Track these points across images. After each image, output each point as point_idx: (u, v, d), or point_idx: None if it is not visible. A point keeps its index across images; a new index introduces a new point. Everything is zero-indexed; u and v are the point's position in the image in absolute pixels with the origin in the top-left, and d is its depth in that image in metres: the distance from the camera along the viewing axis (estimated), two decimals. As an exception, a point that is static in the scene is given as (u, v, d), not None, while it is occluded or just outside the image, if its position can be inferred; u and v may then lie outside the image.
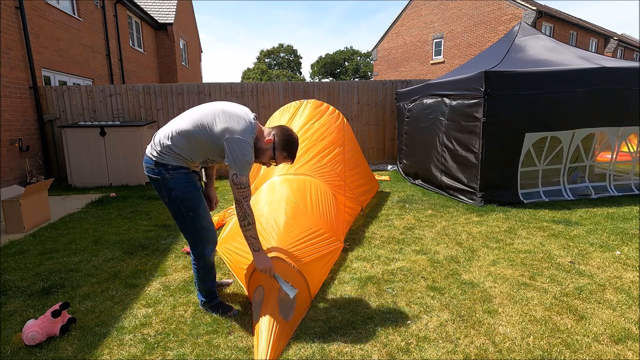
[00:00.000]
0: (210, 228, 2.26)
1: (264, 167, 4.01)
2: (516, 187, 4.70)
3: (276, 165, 2.23)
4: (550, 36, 6.25)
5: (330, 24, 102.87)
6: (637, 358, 1.86)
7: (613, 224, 3.88)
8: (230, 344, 2.01)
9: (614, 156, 5.00)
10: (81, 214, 4.79)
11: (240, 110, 2.14)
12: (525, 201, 4.66)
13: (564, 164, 4.86)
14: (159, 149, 2.11)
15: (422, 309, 2.33)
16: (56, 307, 2.10)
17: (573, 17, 18.91)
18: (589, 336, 2.03)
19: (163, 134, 2.13)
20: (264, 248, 2.47)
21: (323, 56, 51.23)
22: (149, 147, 2.18)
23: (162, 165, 2.11)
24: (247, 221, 2.07)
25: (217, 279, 2.56)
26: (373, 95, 8.00)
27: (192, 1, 18.45)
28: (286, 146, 2.16)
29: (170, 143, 2.09)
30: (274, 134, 2.14)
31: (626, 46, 21.20)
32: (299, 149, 4.09)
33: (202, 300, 2.37)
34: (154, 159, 2.12)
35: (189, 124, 2.09)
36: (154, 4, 15.00)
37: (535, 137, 4.59)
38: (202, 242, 2.23)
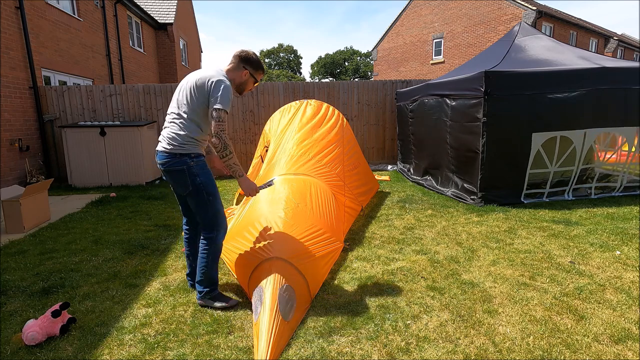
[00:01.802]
0: (224, 213, 2.40)
1: (263, 167, 4.01)
2: (519, 188, 4.67)
3: (258, 83, 2.52)
4: (550, 36, 6.24)
5: (330, 24, 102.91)
6: (637, 358, 1.86)
7: (613, 224, 3.88)
8: (230, 344, 2.01)
9: (630, 157, 4.92)
10: (81, 214, 4.79)
11: (208, 67, 2.32)
12: (525, 202, 4.66)
13: (577, 165, 4.74)
14: (180, 141, 2.23)
15: (422, 309, 2.33)
16: (56, 307, 2.10)
17: (573, 17, 18.91)
18: (589, 336, 2.03)
19: (176, 128, 2.25)
20: (265, 248, 2.49)
21: (323, 56, 51.24)
22: (162, 143, 2.28)
23: (185, 155, 2.24)
24: (227, 151, 2.20)
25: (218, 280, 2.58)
26: (373, 95, 8.00)
27: (192, 1, 18.45)
28: (257, 66, 2.40)
29: (187, 133, 2.24)
30: (243, 66, 2.35)
31: (626, 46, 21.19)
32: (299, 149, 4.11)
33: (204, 291, 2.38)
34: (176, 150, 2.23)
35: (187, 109, 2.24)
36: (154, 4, 15.00)
37: (543, 137, 4.53)
38: (217, 227, 2.35)
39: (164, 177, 2.43)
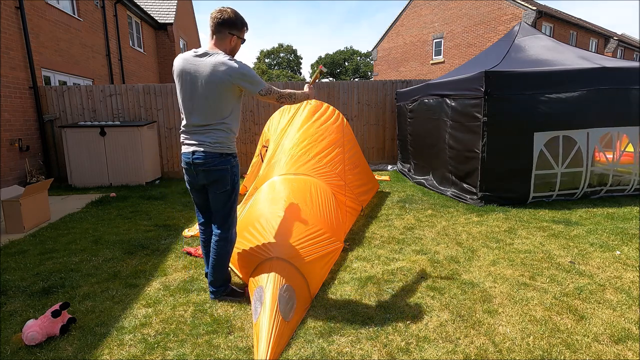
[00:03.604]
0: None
1: (263, 166, 4.01)
2: (524, 189, 4.63)
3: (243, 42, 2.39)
4: (550, 36, 6.23)
5: (330, 24, 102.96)
6: (637, 358, 1.86)
7: (613, 224, 3.88)
8: (230, 344, 2.01)
9: (638, 157, 4.89)
10: (81, 214, 4.79)
11: (209, 57, 2.21)
12: (526, 202, 4.65)
13: (586, 166, 4.67)
14: (228, 143, 2.27)
15: (422, 309, 2.33)
16: (56, 307, 2.10)
17: (573, 17, 18.91)
18: (589, 336, 2.03)
19: (221, 133, 2.24)
20: (265, 248, 2.49)
21: (323, 56, 51.25)
22: (205, 145, 2.23)
23: (230, 154, 2.29)
24: (293, 97, 2.39)
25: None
26: (373, 95, 8.00)
27: (192, 1, 18.46)
28: (241, 26, 2.31)
29: (232, 133, 2.29)
30: (229, 32, 2.25)
31: (626, 46, 21.18)
32: (299, 149, 4.10)
33: (217, 290, 2.43)
34: (223, 150, 2.26)
35: (224, 112, 2.24)
36: (154, 4, 14.99)
37: (545, 136, 4.50)
38: (233, 226, 2.41)
39: (186, 177, 2.38)
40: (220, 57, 2.18)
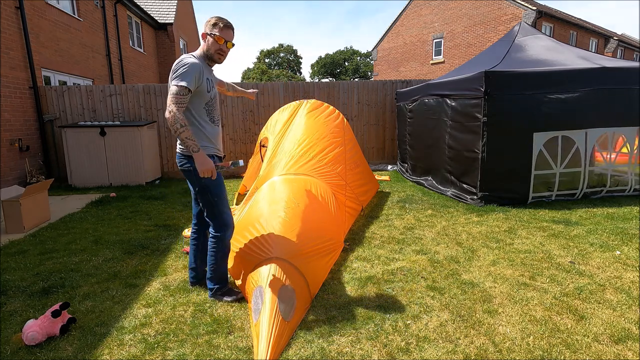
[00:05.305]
0: (230, 213, 2.46)
1: (264, 166, 4.01)
2: (524, 189, 4.64)
3: (228, 47, 2.33)
4: (550, 36, 6.23)
5: (330, 24, 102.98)
6: (637, 358, 1.86)
7: (613, 224, 3.88)
8: (230, 344, 2.01)
9: (633, 158, 4.88)
10: (81, 214, 4.79)
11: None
12: (526, 202, 4.65)
13: (584, 166, 4.69)
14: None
15: (422, 309, 2.33)
16: (56, 307, 2.10)
17: (573, 17, 18.91)
18: (589, 336, 2.03)
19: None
20: (265, 248, 2.49)
21: (323, 56, 51.22)
22: (178, 146, 2.35)
23: (189, 156, 2.27)
24: (178, 124, 2.12)
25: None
26: (373, 95, 8.00)
27: (192, 1, 18.45)
28: (213, 25, 2.27)
29: (196, 132, 2.29)
30: (207, 34, 2.28)
31: (626, 46, 21.18)
32: (299, 149, 4.10)
33: (214, 288, 2.45)
34: (185, 152, 2.29)
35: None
36: (154, 4, 14.99)
37: (545, 137, 4.51)
38: (224, 227, 2.41)
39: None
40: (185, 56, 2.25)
